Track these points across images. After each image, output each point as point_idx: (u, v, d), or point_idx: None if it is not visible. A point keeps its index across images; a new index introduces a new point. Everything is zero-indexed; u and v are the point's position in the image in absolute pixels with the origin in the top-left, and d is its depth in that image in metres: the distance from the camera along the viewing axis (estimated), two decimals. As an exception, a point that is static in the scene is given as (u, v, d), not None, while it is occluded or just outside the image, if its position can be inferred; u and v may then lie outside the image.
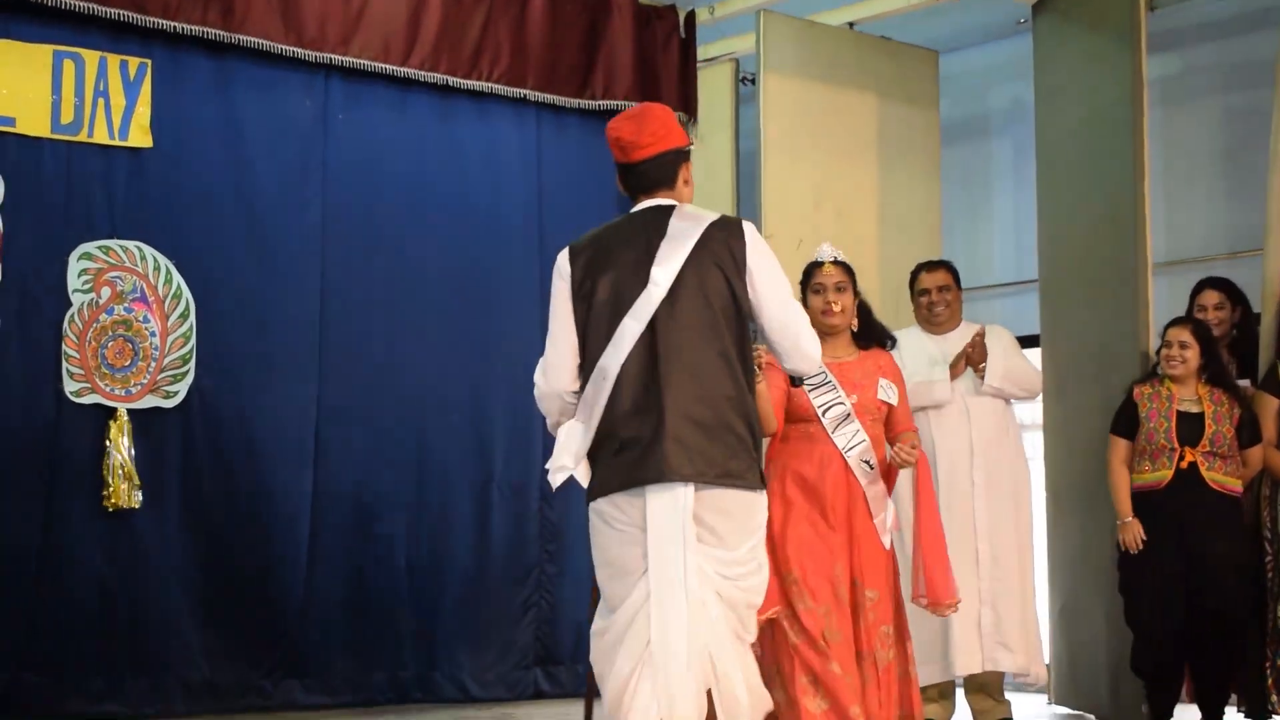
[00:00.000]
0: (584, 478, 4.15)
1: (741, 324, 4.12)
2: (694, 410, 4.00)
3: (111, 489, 6.84)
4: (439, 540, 7.83)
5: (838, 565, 5.11)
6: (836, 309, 5.32)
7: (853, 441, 5.20)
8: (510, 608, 7.98)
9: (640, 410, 4.01)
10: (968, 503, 6.47)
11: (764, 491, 4.16)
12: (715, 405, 4.04)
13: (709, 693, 3.98)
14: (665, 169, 4.28)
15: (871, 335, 5.47)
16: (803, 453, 5.21)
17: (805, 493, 5.17)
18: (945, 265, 6.88)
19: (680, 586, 3.93)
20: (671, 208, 4.22)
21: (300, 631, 7.38)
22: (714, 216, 4.18)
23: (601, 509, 4.08)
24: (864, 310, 5.48)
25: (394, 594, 7.69)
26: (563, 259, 4.33)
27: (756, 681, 4.13)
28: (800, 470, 5.19)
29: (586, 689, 5.35)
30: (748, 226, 4.20)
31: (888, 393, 5.33)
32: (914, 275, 6.89)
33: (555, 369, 4.21)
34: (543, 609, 8.08)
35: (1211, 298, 6.92)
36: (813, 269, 5.38)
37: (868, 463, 5.23)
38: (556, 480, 4.18)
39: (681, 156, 4.31)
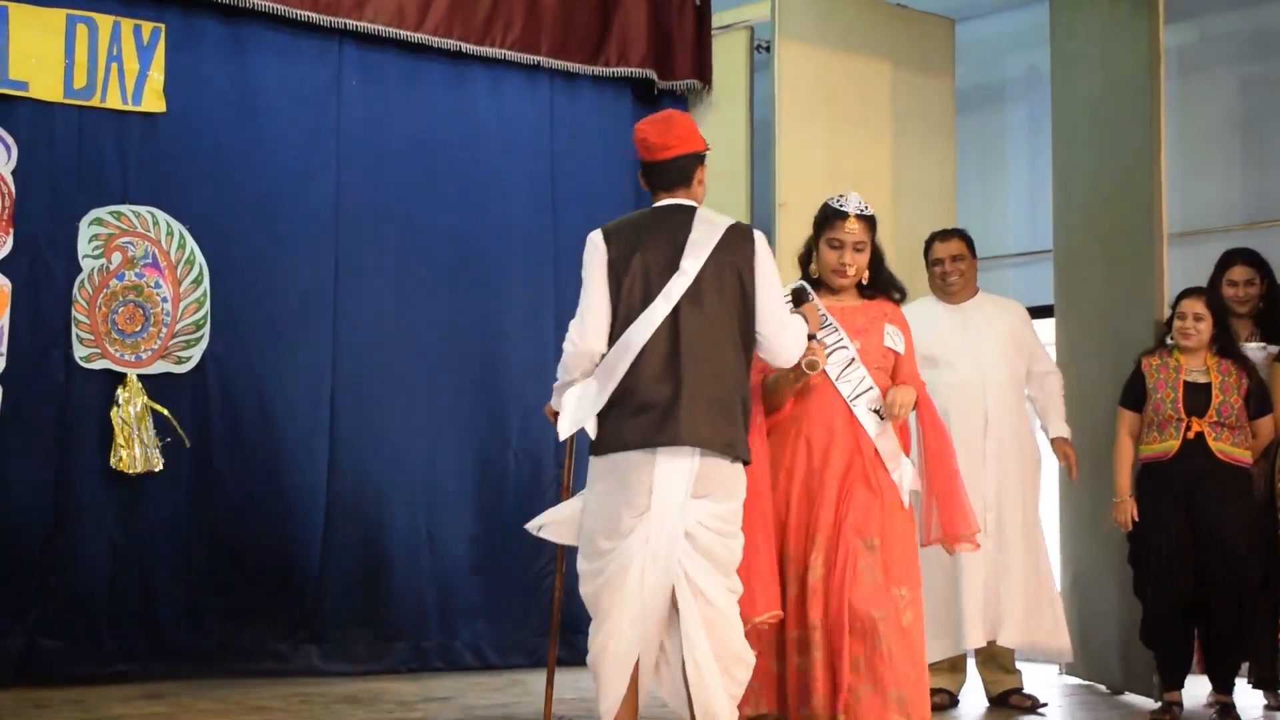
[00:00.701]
0: (593, 431, 4.60)
1: (748, 317, 4.64)
2: (709, 387, 4.54)
3: (125, 454, 6.85)
4: (456, 507, 7.83)
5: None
6: (850, 271, 5.06)
7: (859, 388, 4.94)
8: (528, 575, 7.97)
9: (661, 380, 4.51)
10: (978, 473, 6.44)
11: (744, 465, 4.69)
12: (725, 384, 4.58)
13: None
14: (684, 170, 4.75)
15: (879, 285, 5.17)
16: (807, 412, 4.97)
17: (810, 460, 4.96)
18: (959, 234, 6.85)
19: (674, 541, 4.49)
20: (693, 209, 4.72)
21: (317, 598, 7.40)
22: (730, 221, 4.71)
23: (615, 461, 4.55)
24: (876, 259, 5.16)
25: (412, 562, 7.70)
26: (597, 236, 4.70)
27: (729, 634, 4.57)
28: (810, 434, 4.96)
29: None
30: (758, 235, 4.72)
31: (894, 339, 5.07)
32: (928, 244, 6.87)
33: (593, 330, 4.62)
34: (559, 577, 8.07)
35: (1242, 273, 6.85)
36: (834, 218, 5.04)
37: (877, 412, 4.95)
38: (566, 433, 4.66)
39: (698, 160, 4.79)
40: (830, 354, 4.89)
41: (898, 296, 5.20)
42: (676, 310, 4.55)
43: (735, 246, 4.64)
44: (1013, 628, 6.44)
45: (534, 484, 8.03)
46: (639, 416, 4.51)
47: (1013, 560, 6.49)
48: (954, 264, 6.72)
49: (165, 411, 6.97)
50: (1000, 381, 6.59)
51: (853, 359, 4.96)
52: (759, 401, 4.87)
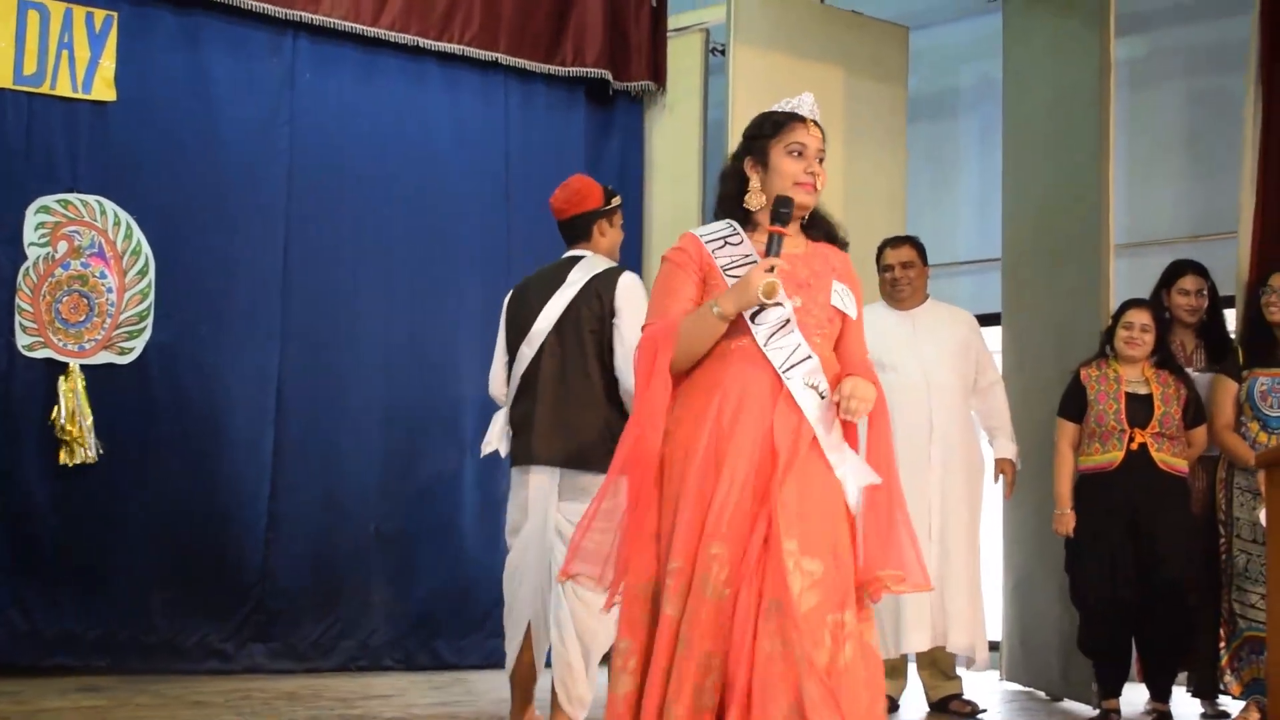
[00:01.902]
0: (504, 450, 5.62)
1: (604, 351, 5.34)
2: (560, 411, 5.36)
3: (66, 445, 6.81)
4: (408, 503, 7.81)
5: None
6: (819, 184, 3.95)
7: (793, 358, 3.81)
8: (483, 573, 7.94)
9: (526, 408, 5.44)
10: (923, 479, 6.47)
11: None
12: (578, 407, 5.35)
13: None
14: (582, 227, 5.59)
15: (820, 224, 4.06)
16: (719, 382, 3.81)
17: (716, 442, 3.77)
18: (910, 241, 6.88)
19: (544, 539, 5.36)
20: (581, 258, 5.52)
21: (262, 594, 7.35)
22: (602, 269, 5.43)
23: (512, 474, 5.58)
24: None
25: (363, 557, 7.66)
26: (508, 297, 5.67)
27: (589, 619, 5.24)
28: (721, 409, 3.78)
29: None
30: (623, 278, 5.39)
31: (844, 300, 3.97)
32: (880, 250, 6.89)
33: (493, 377, 5.70)
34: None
35: (1194, 283, 6.87)
36: (791, 121, 3.95)
37: (816, 388, 3.82)
38: (483, 452, 5.72)
39: (595, 216, 5.58)
40: (756, 315, 3.81)
41: (844, 245, 4.11)
42: (542, 347, 5.42)
43: (601, 289, 5.37)
44: (961, 632, 6.47)
45: (490, 482, 8.00)
46: (517, 439, 5.49)
47: (957, 566, 6.52)
48: (904, 271, 6.75)
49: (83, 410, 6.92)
50: (946, 388, 6.62)
51: (787, 320, 3.84)
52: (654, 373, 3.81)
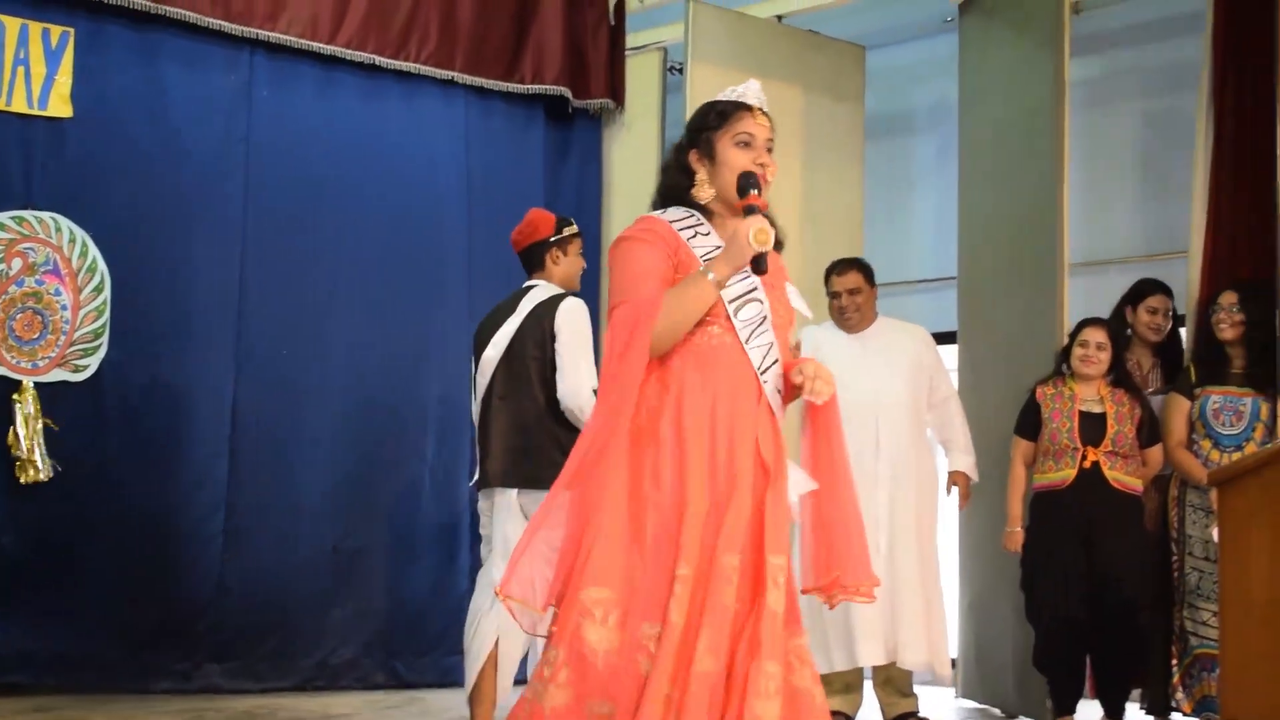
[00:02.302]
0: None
1: (548, 374, 5.64)
2: (509, 437, 5.68)
3: (19, 463, 6.76)
4: (366, 521, 7.78)
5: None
6: (770, 176, 3.76)
7: (767, 359, 3.72)
8: (441, 592, 7.94)
9: (483, 438, 5.79)
10: (870, 494, 6.48)
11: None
12: (525, 430, 5.65)
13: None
14: (535, 256, 5.93)
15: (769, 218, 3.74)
16: (710, 381, 3.62)
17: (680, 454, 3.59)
18: (856, 265, 6.85)
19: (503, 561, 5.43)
20: (531, 288, 5.87)
21: (219, 613, 7.30)
22: (548, 296, 5.75)
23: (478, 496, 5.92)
24: None
25: (320, 576, 7.62)
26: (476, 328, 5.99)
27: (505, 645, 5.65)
28: (687, 408, 3.59)
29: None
30: (563, 304, 5.67)
31: (799, 302, 3.92)
32: (826, 275, 6.87)
33: (471, 406, 5.97)
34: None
35: (1161, 302, 6.93)
36: (738, 110, 3.77)
37: (780, 392, 3.77)
38: (471, 482, 6.14)
39: (545, 246, 5.91)
40: (739, 305, 3.68)
41: (781, 245, 3.81)
42: (493, 375, 5.76)
43: (543, 314, 5.68)
44: (913, 649, 6.48)
45: (450, 499, 8.00)
46: (480, 465, 5.82)
47: (908, 582, 6.52)
48: (850, 298, 6.74)
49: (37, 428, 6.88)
50: (896, 405, 6.62)
51: (765, 317, 3.73)
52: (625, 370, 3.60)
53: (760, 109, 3.78)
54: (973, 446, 6.82)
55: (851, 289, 6.74)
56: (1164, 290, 6.95)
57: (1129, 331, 6.93)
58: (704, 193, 3.74)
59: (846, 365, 6.58)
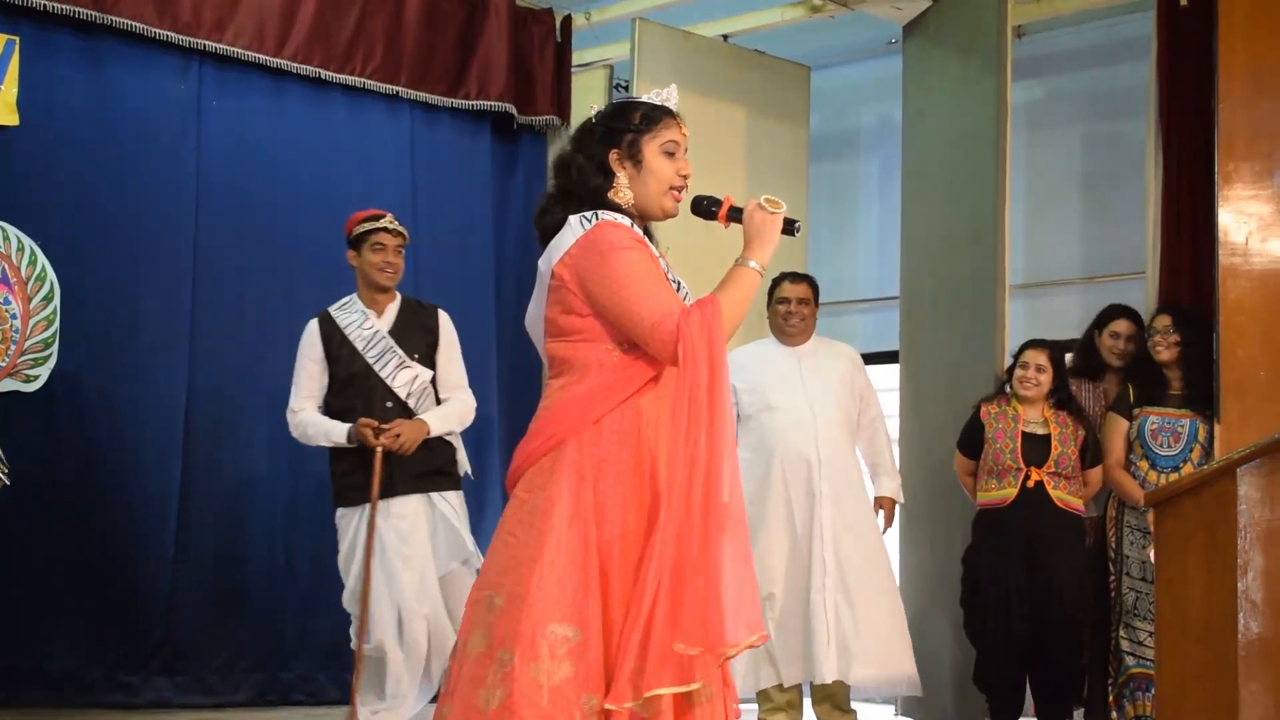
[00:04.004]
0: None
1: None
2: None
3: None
4: (319, 535, 7.68)
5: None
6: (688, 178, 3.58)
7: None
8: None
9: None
10: (812, 513, 6.51)
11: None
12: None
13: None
14: None
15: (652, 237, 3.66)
16: (662, 401, 3.43)
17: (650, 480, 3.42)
18: (808, 279, 6.92)
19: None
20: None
21: (169, 626, 7.22)
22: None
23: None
24: None
25: (271, 589, 7.56)
26: None
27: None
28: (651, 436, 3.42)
29: None
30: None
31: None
32: (776, 282, 6.90)
33: None
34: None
35: (1127, 327, 6.92)
36: (665, 117, 3.55)
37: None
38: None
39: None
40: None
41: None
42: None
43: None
44: (865, 665, 6.49)
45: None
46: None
47: (859, 597, 6.54)
48: (799, 306, 6.80)
49: None
50: (832, 423, 6.65)
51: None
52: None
53: (679, 115, 3.58)
54: (897, 469, 6.88)
55: (802, 298, 6.79)
56: (1129, 315, 6.98)
57: (1095, 356, 6.97)
58: (622, 197, 3.50)
59: (784, 381, 6.65)
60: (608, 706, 3.20)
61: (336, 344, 5.99)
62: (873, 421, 6.85)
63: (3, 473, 6.77)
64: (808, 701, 6.81)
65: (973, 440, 6.65)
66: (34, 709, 6.79)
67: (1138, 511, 6.46)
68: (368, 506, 5.84)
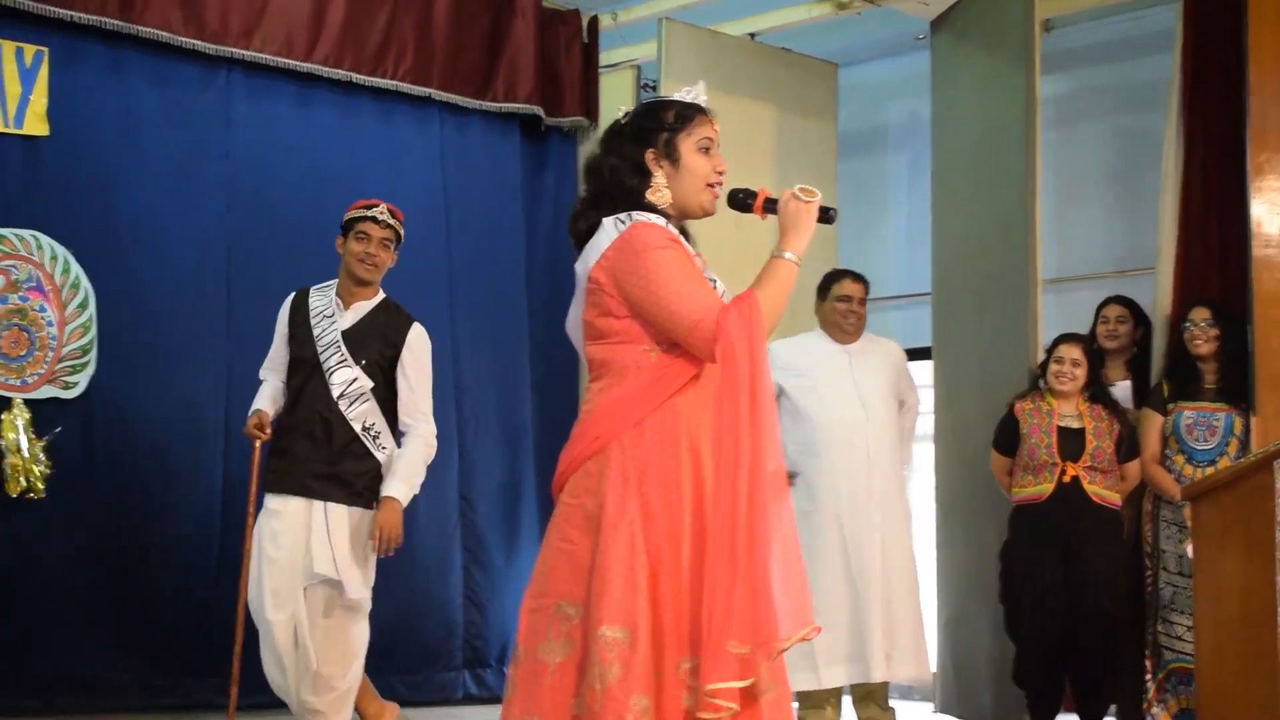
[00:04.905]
0: None
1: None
2: None
3: (12, 480, 6.71)
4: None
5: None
6: (723, 185, 3.59)
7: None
8: (436, 607, 7.93)
9: None
10: (865, 509, 6.51)
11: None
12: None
13: None
14: None
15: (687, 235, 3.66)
16: (702, 400, 3.43)
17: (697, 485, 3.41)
18: (864, 278, 6.93)
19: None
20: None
21: (210, 631, 7.17)
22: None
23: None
24: None
25: (314, 591, 7.58)
26: None
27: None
28: (698, 440, 3.41)
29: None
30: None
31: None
32: (834, 279, 6.87)
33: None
34: (470, 611, 8.08)
35: (1114, 310, 7.08)
36: (697, 114, 3.56)
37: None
38: None
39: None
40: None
41: None
42: None
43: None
44: (906, 663, 6.51)
45: (439, 509, 7.98)
46: None
47: (902, 596, 6.55)
48: (860, 305, 6.80)
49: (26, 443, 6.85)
50: (881, 420, 6.65)
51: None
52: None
53: (712, 112, 3.61)
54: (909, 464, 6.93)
55: (861, 297, 6.79)
56: (1119, 301, 7.09)
57: (1096, 347, 6.99)
58: (660, 196, 3.51)
59: (835, 377, 6.64)
60: (701, 716, 3.23)
61: (299, 322, 5.82)
62: (908, 409, 6.85)
63: (41, 479, 6.81)
64: (846, 700, 6.81)
65: (1008, 437, 6.63)
66: (73, 714, 6.80)
67: (1174, 506, 6.45)
68: (266, 498, 5.68)
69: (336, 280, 5.89)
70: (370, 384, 5.68)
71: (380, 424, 5.72)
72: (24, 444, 6.75)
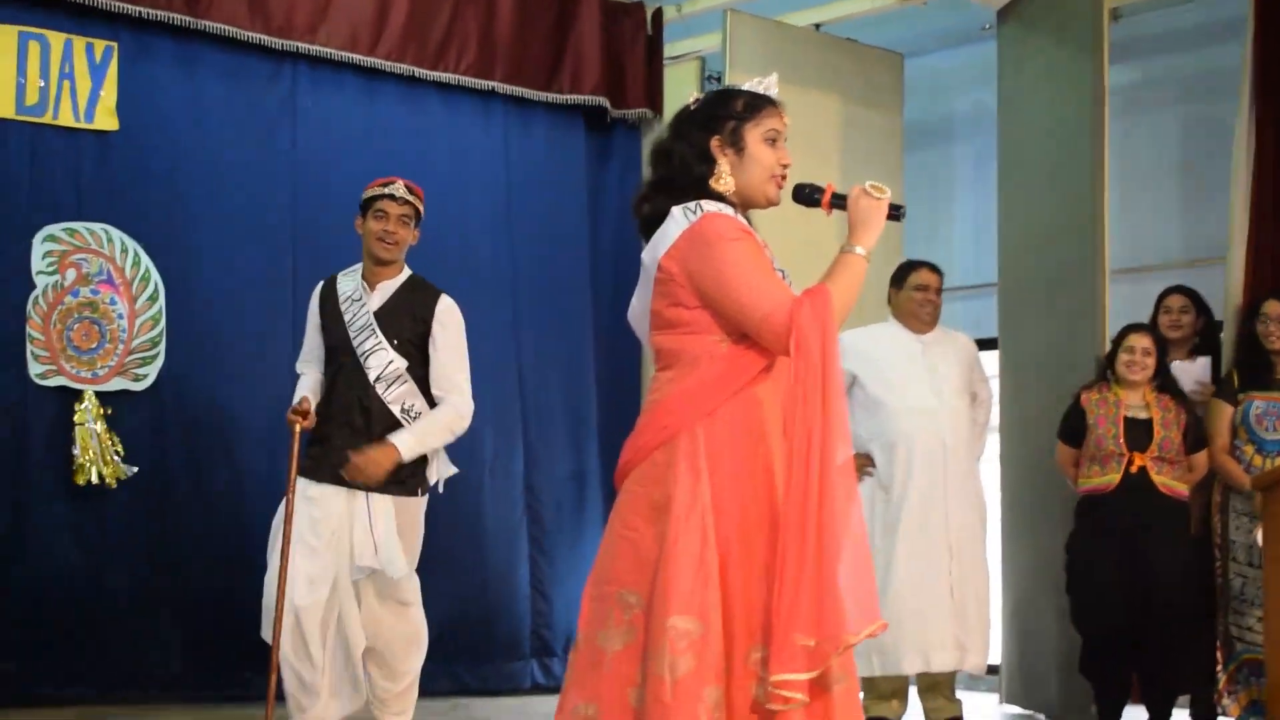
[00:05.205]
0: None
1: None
2: None
3: (85, 472, 6.78)
4: (429, 528, 7.76)
5: None
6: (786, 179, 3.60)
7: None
8: (504, 597, 7.97)
9: None
10: (942, 499, 6.50)
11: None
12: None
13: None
14: None
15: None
16: (775, 392, 3.44)
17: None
18: (940, 269, 6.89)
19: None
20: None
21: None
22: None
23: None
24: None
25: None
26: None
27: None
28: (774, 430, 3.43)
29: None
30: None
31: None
32: (910, 269, 6.83)
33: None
34: (537, 601, 8.12)
35: (1177, 301, 7.03)
36: (766, 105, 3.56)
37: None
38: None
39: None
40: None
41: None
42: None
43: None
44: (979, 653, 6.50)
45: (505, 502, 8.04)
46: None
47: (974, 587, 6.53)
48: (936, 295, 6.78)
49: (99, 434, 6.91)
50: (956, 410, 6.63)
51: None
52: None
53: (782, 105, 3.59)
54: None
55: (937, 287, 6.77)
56: (1182, 291, 7.05)
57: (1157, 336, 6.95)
58: (723, 184, 3.50)
59: (910, 367, 6.61)
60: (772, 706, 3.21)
61: (329, 311, 5.69)
62: (982, 403, 6.83)
63: (113, 472, 6.88)
64: (912, 690, 6.80)
65: (1074, 428, 6.58)
66: (139, 705, 6.86)
67: (1244, 496, 6.40)
68: (301, 484, 5.52)
69: (360, 264, 5.79)
70: (406, 363, 5.56)
71: (420, 404, 5.61)
72: (96, 436, 6.82)
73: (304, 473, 5.53)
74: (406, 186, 5.70)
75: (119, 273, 7.06)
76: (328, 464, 5.48)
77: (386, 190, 5.67)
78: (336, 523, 5.47)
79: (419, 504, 5.66)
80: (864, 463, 6.46)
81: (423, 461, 5.65)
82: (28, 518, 6.81)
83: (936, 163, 9.51)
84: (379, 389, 5.53)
